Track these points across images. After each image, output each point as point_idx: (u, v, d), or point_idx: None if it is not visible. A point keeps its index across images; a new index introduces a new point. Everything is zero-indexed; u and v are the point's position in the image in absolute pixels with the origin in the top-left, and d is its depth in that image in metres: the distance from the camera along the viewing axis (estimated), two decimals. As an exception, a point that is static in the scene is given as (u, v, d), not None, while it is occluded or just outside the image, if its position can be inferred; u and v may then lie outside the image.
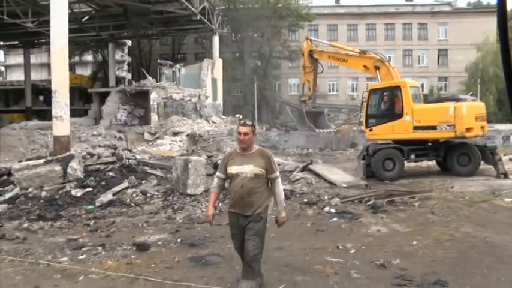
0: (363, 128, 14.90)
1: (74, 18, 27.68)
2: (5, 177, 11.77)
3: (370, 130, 14.22)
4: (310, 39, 20.47)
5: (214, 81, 36.12)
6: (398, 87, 13.88)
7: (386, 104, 14.23)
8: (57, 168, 11.48)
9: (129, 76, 52.00)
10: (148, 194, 10.66)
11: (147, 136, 25.32)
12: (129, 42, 50.89)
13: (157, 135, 25.34)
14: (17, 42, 41.80)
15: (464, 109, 13.15)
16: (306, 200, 10.25)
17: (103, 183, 11.29)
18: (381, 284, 5.17)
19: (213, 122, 31.81)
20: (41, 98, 46.23)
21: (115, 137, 24.23)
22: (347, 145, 23.49)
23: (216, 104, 36.33)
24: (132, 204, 9.93)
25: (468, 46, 42.52)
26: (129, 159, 14.06)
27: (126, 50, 54.16)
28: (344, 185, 11.96)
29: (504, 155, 16.19)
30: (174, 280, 5.27)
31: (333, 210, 9.23)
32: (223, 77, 38.87)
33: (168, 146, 23.12)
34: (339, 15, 50.29)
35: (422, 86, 16.09)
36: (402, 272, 5.51)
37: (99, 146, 18.71)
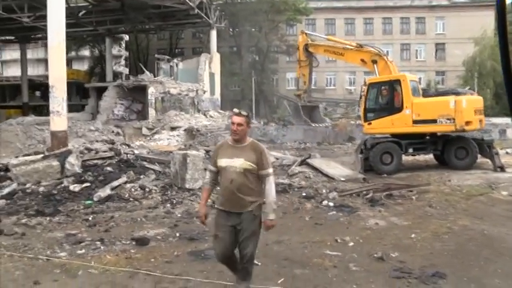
0: (361, 122, 14.89)
1: (70, 13, 27.50)
2: (2, 172, 11.72)
3: (369, 124, 14.21)
4: (306, 33, 20.39)
5: (211, 75, 36.04)
6: (398, 81, 13.87)
7: (386, 98, 14.21)
8: (55, 163, 11.45)
9: (126, 71, 51.82)
10: (147, 189, 10.65)
11: (144, 131, 25.27)
12: (126, 37, 50.68)
13: (155, 130, 25.29)
14: (13, 38, 41.55)
15: (464, 103, 13.18)
16: (304, 194, 10.28)
17: (101, 178, 11.26)
18: (380, 276, 5.20)
19: (211, 116, 31.77)
20: (38, 93, 46.10)
21: (112, 132, 24.16)
22: (345, 139, 23.49)
23: (213, 99, 36.28)
24: (131, 199, 9.93)
25: (466, 40, 42.53)
26: (127, 154, 14.03)
27: (124, 45, 53.94)
28: (342, 179, 11.99)
29: (501, 149, 16.23)
30: (174, 274, 5.28)
31: (331, 204, 9.26)
32: (221, 71, 38.80)
33: (165, 141, 23.08)
34: (337, 9, 50.16)
35: (419, 80, 16.09)
36: (401, 265, 5.55)
37: (97, 141, 18.67)
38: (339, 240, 6.64)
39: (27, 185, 10.80)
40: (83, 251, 6.32)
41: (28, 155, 13.35)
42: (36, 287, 4.98)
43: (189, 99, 30.59)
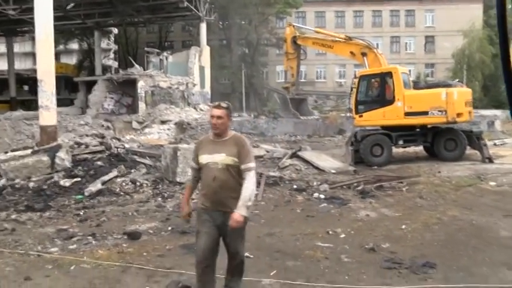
0: (351, 114, 14.95)
1: (58, 6, 27.05)
2: (-9, 168, 11.61)
3: (360, 116, 14.24)
4: (293, 25, 20.37)
5: (201, 69, 35.87)
6: (389, 73, 13.92)
7: (377, 90, 14.25)
8: (45, 158, 11.36)
9: (115, 64, 51.35)
10: (138, 183, 10.62)
11: (135, 125, 25.13)
12: (115, 30, 50.11)
13: (145, 123, 25.17)
14: (-2, 31, 40.91)
15: (455, 95, 13.29)
16: (295, 187, 10.32)
17: (92, 172, 11.21)
18: (371, 267, 5.26)
19: (201, 110, 31.66)
20: (26, 87, 45.49)
21: (102, 126, 23.98)
22: (335, 132, 23.58)
23: (203, 92, 36.14)
24: (122, 193, 9.90)
25: (455, 33, 42.75)
26: (117, 148, 13.96)
27: (113, 38, 53.34)
28: (333, 171, 12.05)
29: (489, 140, 16.43)
30: (166, 268, 5.29)
31: (322, 196, 9.32)
32: (211, 64, 38.61)
33: (156, 135, 23.00)
34: (327, 2, 50.12)
35: (409, 72, 16.17)
36: (392, 256, 5.62)
37: (87, 135, 18.53)
38: (330, 232, 6.69)
39: (17, 181, 10.71)
40: (75, 246, 6.30)
41: (17, 150, 13.22)
42: (27, 283, 4.95)
43: (179, 92, 30.44)
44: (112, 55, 55.27)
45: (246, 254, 5.56)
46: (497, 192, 9.67)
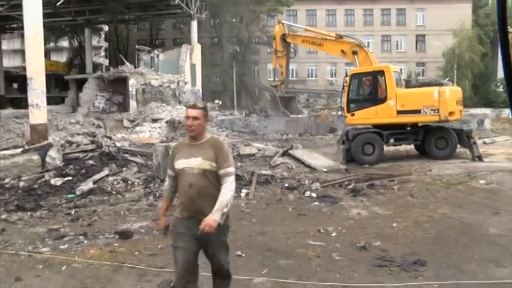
0: (343, 113, 14.99)
1: (47, 2, 26.79)
2: (-20, 167, 11.50)
3: (352, 115, 14.29)
4: (283, 23, 20.36)
5: (193, 66, 35.76)
6: (381, 72, 13.98)
7: (369, 89, 14.31)
8: (35, 157, 11.28)
9: (106, 62, 51.05)
10: (129, 182, 10.58)
11: (126, 123, 25.01)
12: (106, 28, 49.85)
13: (136, 122, 25.05)
14: (-14, 28, 40.44)
15: (447, 93, 13.39)
16: (287, 185, 10.34)
17: (83, 171, 11.16)
18: (362, 265, 5.29)
19: (193, 108, 31.54)
20: (15, 85, 45.06)
21: (93, 124, 23.87)
22: (326, 130, 23.64)
23: (195, 90, 36.03)
24: (113, 192, 9.85)
25: (445, 32, 43.13)
26: (108, 146, 13.90)
27: (103, 36, 53.07)
28: (324, 170, 12.09)
29: (479, 139, 16.58)
30: (158, 267, 5.28)
31: (314, 195, 9.35)
32: (202, 62, 38.51)
33: (147, 133, 22.91)
34: (318, 1, 50.18)
35: (400, 71, 16.28)
36: (383, 253, 5.66)
37: (78, 134, 18.44)
38: (322, 231, 6.72)
39: (7, 180, 10.63)
40: (66, 245, 6.26)
41: (7, 149, 13.12)
42: (18, 284, 4.91)
43: (170, 90, 30.32)
44: (103, 53, 54.99)
45: (238, 252, 5.61)
46: (486, 190, 9.78)
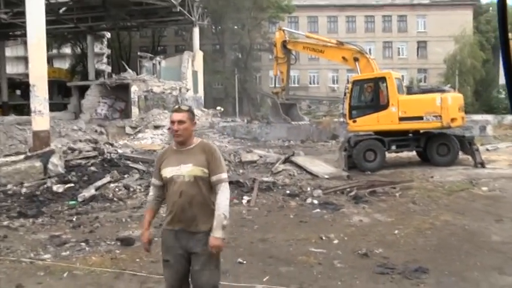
0: (345, 119, 15.00)
1: (50, 10, 27.02)
2: (-18, 173, 11.53)
3: (354, 121, 14.29)
4: (283, 30, 20.41)
5: (194, 73, 35.87)
6: (383, 79, 14.00)
7: (371, 95, 14.32)
8: (38, 164, 11.31)
9: (108, 69, 51.26)
10: (131, 188, 10.60)
11: (128, 130, 25.07)
12: (108, 35, 50.06)
13: (138, 128, 25.10)
14: (-10, 35, 40.68)
15: (449, 100, 13.40)
16: (288, 192, 10.33)
17: (85, 178, 11.18)
18: (364, 272, 5.28)
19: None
20: (18, 92, 45.26)
21: (96, 131, 23.92)
22: (328, 137, 23.65)
23: (197, 97, 36.12)
24: (115, 199, 9.87)
25: (446, 38, 43.20)
26: (110, 153, 13.93)
27: (106, 43, 53.30)
28: (326, 177, 12.08)
29: (481, 145, 16.57)
30: (159, 274, 5.24)
31: (315, 202, 9.34)
32: (204, 69, 38.63)
33: (149, 140, 22.94)
34: (319, 7, 50.41)
35: (402, 77, 16.31)
36: (384, 261, 5.64)
37: (80, 140, 18.49)
38: (323, 238, 6.71)
39: (9, 186, 10.65)
40: (68, 252, 6.27)
41: (9, 155, 13.15)
42: (19, 290, 4.92)
43: (172, 97, 30.39)
44: (105, 59, 55.18)
45: (239, 259, 5.61)
46: (489, 197, 9.75)
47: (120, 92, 29.01)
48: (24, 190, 10.43)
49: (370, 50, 38.79)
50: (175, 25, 42.10)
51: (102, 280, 5.16)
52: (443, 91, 14.21)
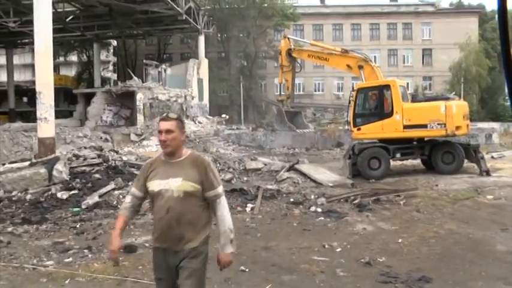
0: (349, 127, 14.98)
1: (58, 18, 27.30)
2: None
3: (359, 129, 14.26)
4: (289, 38, 20.48)
5: (200, 81, 36.03)
6: (387, 87, 13.99)
7: (375, 103, 14.31)
8: (42, 170, 11.36)
9: (114, 76, 51.57)
10: (135, 196, 10.59)
11: (133, 137, 25.15)
12: (114, 42, 50.45)
13: (143, 136, 25.17)
14: (-2, 43, 41.10)
15: (454, 108, 13.36)
16: (292, 200, 10.32)
17: (89, 185, 11.22)
18: (367, 281, 5.25)
19: (199, 122, 31.73)
20: (25, 99, 45.60)
21: (101, 138, 24.00)
22: (333, 144, 23.63)
23: (202, 104, 36.24)
24: (119, 206, 9.87)
25: (451, 46, 43.14)
26: (115, 160, 13.98)
27: (112, 50, 53.69)
28: (330, 184, 12.06)
29: (486, 153, 16.48)
30: (162, 281, 5.26)
31: (319, 210, 9.31)
32: (209, 77, 38.80)
33: (154, 147, 22.98)
34: (325, 15, 50.55)
35: (407, 85, 16.29)
36: (387, 269, 5.61)
37: (85, 147, 18.53)
38: (326, 246, 6.68)
39: (14, 193, 10.70)
40: (71, 259, 6.28)
41: (15, 162, 13.22)
42: (22, 297, 4.93)
43: (177, 105, 30.52)
44: (111, 67, 55.55)
45: (242, 267, 5.58)
46: (494, 205, 9.68)
47: (126, 99, 29.15)
48: (28, 196, 10.48)
49: (375, 57, 38.92)
50: (181, 33, 42.36)
51: (104, 287, 5.16)
52: (447, 99, 14.19)
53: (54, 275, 5.53)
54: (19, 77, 49.22)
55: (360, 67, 15.62)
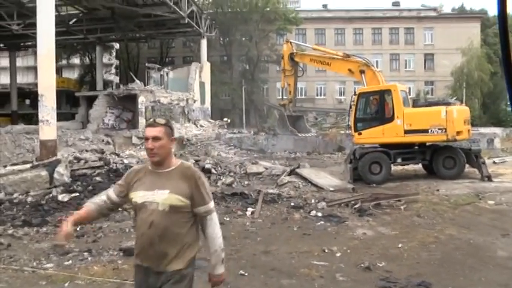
0: (351, 132, 14.99)
1: (61, 21, 27.47)
2: (-11, 182, 11.62)
3: (360, 134, 14.27)
4: (291, 42, 20.51)
5: (202, 84, 36.09)
6: (389, 91, 14.01)
7: (376, 108, 14.32)
8: (44, 173, 11.39)
9: (116, 79, 51.70)
10: (136, 199, 10.59)
11: (134, 140, 25.17)
12: (116, 46, 50.64)
13: (145, 139, 25.20)
14: (1, 45, 41.29)
15: (455, 113, 13.36)
16: (292, 204, 10.31)
17: (90, 188, 11.23)
18: (366, 286, 5.24)
19: (201, 125, 31.78)
20: (27, 101, 45.76)
21: (102, 141, 24.05)
22: (334, 149, 23.62)
23: (203, 108, 36.31)
24: (119, 209, 9.87)
25: (453, 51, 43.16)
26: (116, 163, 14.00)
27: (114, 53, 53.89)
28: (331, 189, 12.04)
29: (488, 158, 16.44)
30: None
31: (319, 214, 9.30)
32: (211, 80, 38.88)
33: (155, 150, 23.00)
34: (327, 20, 50.65)
35: (409, 90, 16.31)
36: (387, 275, 5.59)
37: (87, 150, 18.58)
38: (326, 251, 6.67)
39: (15, 195, 10.72)
40: (70, 262, 6.28)
41: (16, 164, 13.26)
42: (21, 299, 4.93)
43: (179, 108, 30.58)
44: (113, 70, 55.73)
45: (241, 271, 5.58)
46: (495, 211, 9.65)
47: (128, 102, 29.21)
48: (29, 199, 10.50)
49: (377, 62, 38.93)
50: (183, 36, 42.51)
51: (103, 290, 5.16)
52: (448, 104, 14.18)
53: (54, 278, 5.54)
54: (22, 79, 49.46)
55: (362, 72, 15.64)
